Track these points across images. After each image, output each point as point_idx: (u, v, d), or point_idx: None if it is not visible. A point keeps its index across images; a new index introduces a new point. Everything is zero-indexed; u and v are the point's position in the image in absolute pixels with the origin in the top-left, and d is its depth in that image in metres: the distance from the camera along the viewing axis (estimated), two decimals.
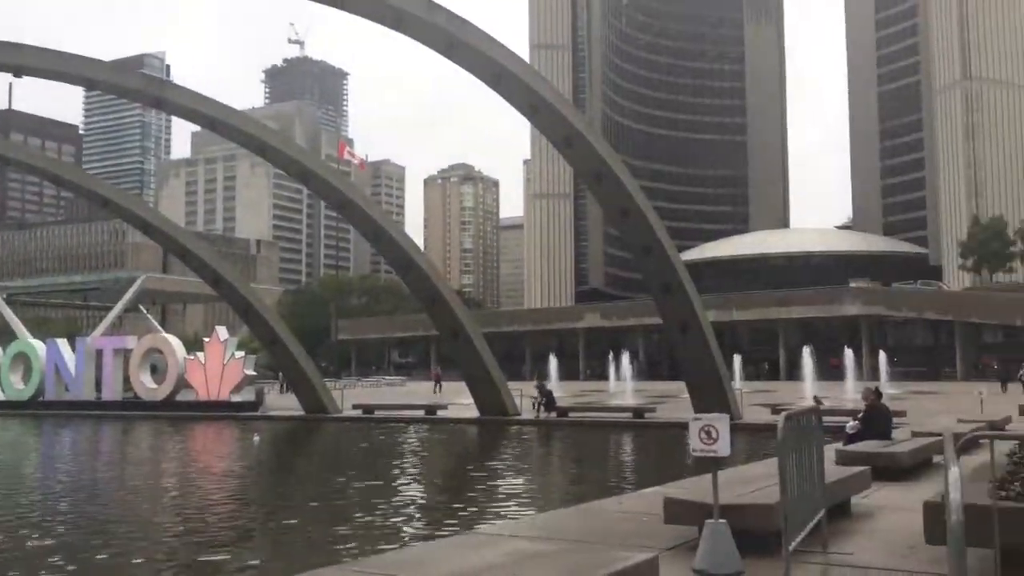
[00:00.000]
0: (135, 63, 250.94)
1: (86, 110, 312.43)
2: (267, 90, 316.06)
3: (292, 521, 14.19)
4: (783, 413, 7.36)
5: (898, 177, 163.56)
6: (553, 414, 35.48)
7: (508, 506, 15.08)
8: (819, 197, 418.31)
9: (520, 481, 19.18)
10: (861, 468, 10.87)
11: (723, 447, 7.05)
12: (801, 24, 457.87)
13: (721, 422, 7.11)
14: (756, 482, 9.24)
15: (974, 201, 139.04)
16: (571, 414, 36.00)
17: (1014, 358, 63.93)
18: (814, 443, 8.19)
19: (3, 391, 51.20)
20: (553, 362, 53.79)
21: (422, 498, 16.97)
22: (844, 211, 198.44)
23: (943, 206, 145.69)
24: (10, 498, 18.01)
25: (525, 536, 8.95)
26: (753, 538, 7.65)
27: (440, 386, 58.94)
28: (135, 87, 24.98)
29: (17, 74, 20.76)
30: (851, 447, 13.74)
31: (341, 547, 11.94)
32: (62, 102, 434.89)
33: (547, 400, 35.82)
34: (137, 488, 19.63)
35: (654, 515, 9.01)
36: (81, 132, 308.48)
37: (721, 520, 7.05)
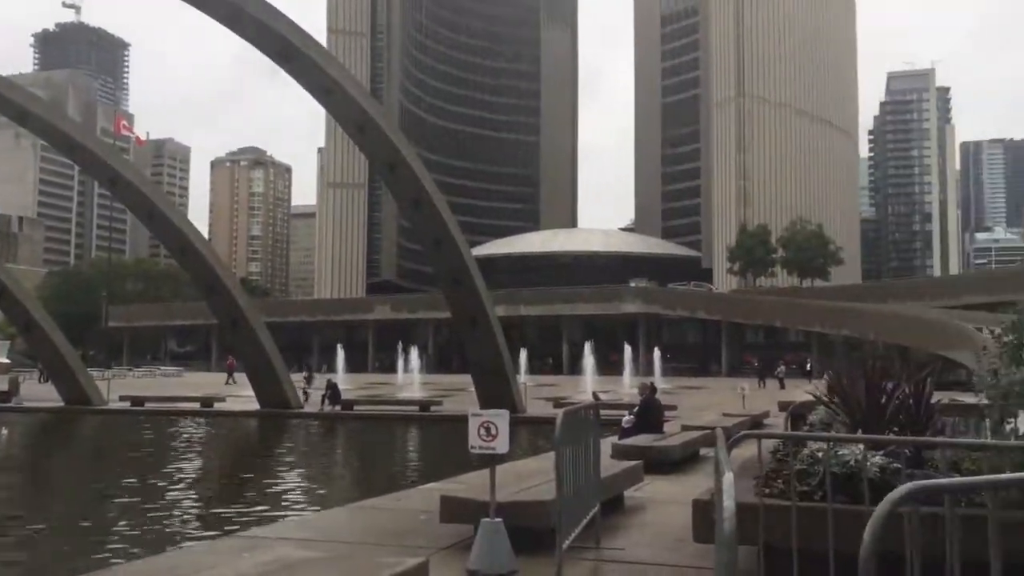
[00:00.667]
0: None
1: None
2: (37, 56, 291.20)
3: (36, 527, 12.83)
4: (562, 409, 7.27)
5: (677, 184, 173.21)
6: (338, 407, 34.72)
7: (282, 506, 14.38)
8: (607, 198, 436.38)
9: (297, 478, 18.44)
10: (634, 462, 11.09)
11: (502, 444, 6.88)
12: (596, 28, 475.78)
13: (500, 419, 6.93)
14: (534, 478, 9.17)
15: (743, 210, 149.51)
16: (356, 407, 35.35)
17: (772, 357, 69.31)
18: (591, 438, 8.19)
19: None
20: (341, 353, 52.67)
21: (188, 499, 15.90)
22: (629, 213, 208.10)
23: (715, 213, 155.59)
24: None
25: (292, 539, 8.42)
26: (529, 535, 7.54)
27: (233, 377, 56.13)
28: None
29: None
30: (625, 441, 14.10)
31: (91, 556, 10.88)
32: None
33: (332, 393, 35.00)
34: None
35: (432, 513, 8.75)
36: None
37: (497, 519, 6.87)
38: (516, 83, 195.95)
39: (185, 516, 13.72)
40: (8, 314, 40.17)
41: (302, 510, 13.69)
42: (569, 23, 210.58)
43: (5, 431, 28.47)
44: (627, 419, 16.37)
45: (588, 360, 50.68)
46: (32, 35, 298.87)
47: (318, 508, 13.28)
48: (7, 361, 43.06)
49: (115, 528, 12.71)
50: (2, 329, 53.81)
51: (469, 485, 9.93)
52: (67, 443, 29.31)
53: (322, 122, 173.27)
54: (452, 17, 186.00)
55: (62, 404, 38.68)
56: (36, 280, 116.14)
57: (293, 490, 16.40)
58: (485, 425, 6.91)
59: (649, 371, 58.33)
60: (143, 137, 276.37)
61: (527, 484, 8.72)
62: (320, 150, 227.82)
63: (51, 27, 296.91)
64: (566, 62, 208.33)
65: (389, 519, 9.49)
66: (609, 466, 9.88)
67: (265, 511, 13.56)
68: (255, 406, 35.81)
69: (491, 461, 7.13)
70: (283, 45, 22.39)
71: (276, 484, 17.05)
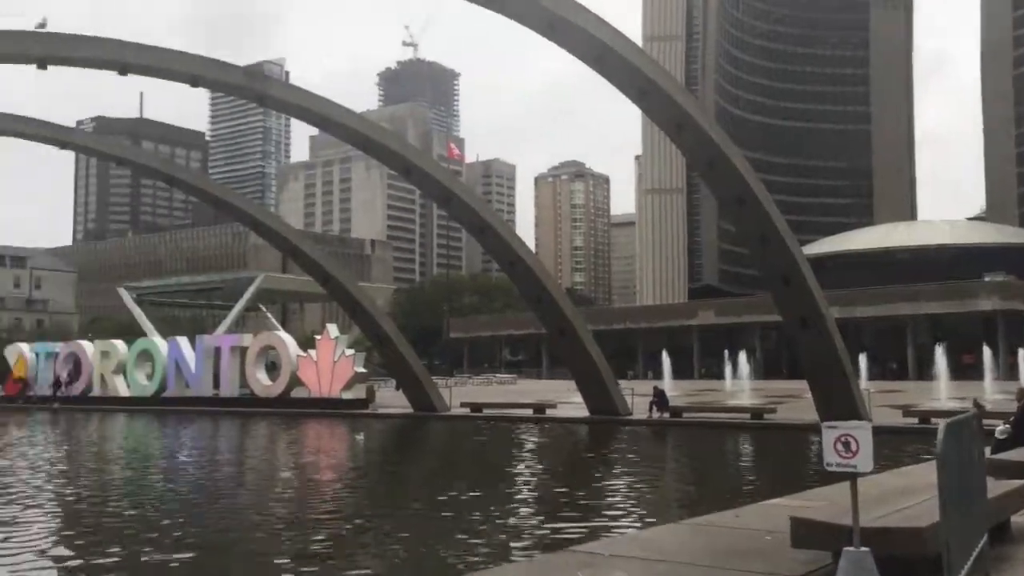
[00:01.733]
0: (258, 77, 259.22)
1: (212, 117, 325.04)
2: (381, 93, 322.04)
3: (386, 528, 13.44)
4: (945, 420, 6.07)
5: None
6: (666, 414, 34.12)
7: (614, 517, 13.98)
8: (949, 187, 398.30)
9: (627, 488, 18.01)
10: (1019, 482, 9.34)
11: (864, 462, 5.86)
12: (931, 3, 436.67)
13: (861, 432, 5.91)
14: (896, 499, 7.92)
15: None
16: (685, 415, 34.56)
17: None
18: (975, 454, 6.86)
19: (129, 386, 53.06)
20: (666, 360, 52.13)
21: (524, 506, 16.02)
22: (977, 202, 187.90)
23: None
24: (140, 487, 18.13)
25: (628, 557, 7.89)
26: (900, 567, 6.40)
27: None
28: (238, 83, 24.97)
29: (123, 72, 20.96)
30: (1004, 455, 12.09)
31: (434, 563, 11.14)
32: (190, 110, 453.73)
33: (660, 400, 34.47)
34: (239, 488, 19.44)
35: (777, 534, 7.83)
36: (207, 139, 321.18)
37: (863, 548, 5.86)
38: (841, 71, 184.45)
39: (520, 525, 13.74)
40: (363, 328, 44.09)
41: (634, 523, 13.19)
42: (902, 2, 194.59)
43: (362, 435, 31.01)
44: (1001, 429, 14.14)
45: (940, 363, 45.84)
46: (377, 75, 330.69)
47: (653, 521, 12.71)
48: (364, 371, 47.22)
49: (453, 537, 12.96)
50: (360, 342, 59.31)
51: (821, 504, 8.83)
52: (413, 447, 31.38)
53: (638, 131, 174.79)
54: (771, 9, 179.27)
55: (411, 410, 41.73)
56: (386, 297, 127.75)
57: (624, 501, 15.99)
58: (843, 439, 5.93)
59: (1011, 375, 51.79)
60: (472, 159, 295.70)
61: (893, 506, 7.51)
62: (637, 158, 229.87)
63: (393, 66, 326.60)
64: (899, 44, 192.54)
65: (730, 539, 8.66)
66: (990, 486, 8.34)
67: (598, 523, 13.23)
68: (584, 412, 36.23)
69: (852, 480, 6.12)
70: (599, 50, 22.33)
71: (607, 494, 16.74)
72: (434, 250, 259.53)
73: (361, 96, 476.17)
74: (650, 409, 34.52)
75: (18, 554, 11.49)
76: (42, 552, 11.84)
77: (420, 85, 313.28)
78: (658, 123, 28.07)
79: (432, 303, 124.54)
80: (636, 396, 36.80)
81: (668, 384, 42.57)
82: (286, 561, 11.39)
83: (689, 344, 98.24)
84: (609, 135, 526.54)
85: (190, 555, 11.60)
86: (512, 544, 11.92)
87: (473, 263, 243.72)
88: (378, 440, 32.37)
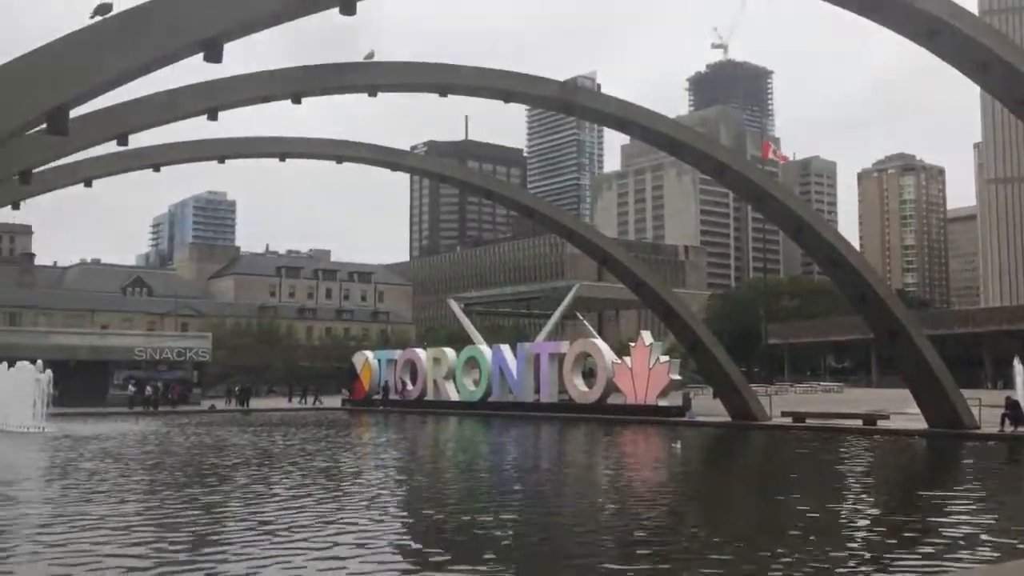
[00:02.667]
0: (570, 86, 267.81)
1: (529, 134, 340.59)
2: (691, 98, 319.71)
3: (713, 543, 12.87)
4: None
5: None
6: (1022, 428, 30.21)
7: (956, 546, 12.35)
8: None
9: (973, 514, 15.92)
10: None
11: None
12: None
13: None
14: None
15: None
16: None
17: None
18: None
19: (458, 391, 56.52)
20: (1020, 368, 46.30)
21: (855, 529, 14.65)
22: None
23: None
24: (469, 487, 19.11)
25: None
26: None
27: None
28: (547, 95, 25.65)
29: (443, 93, 22.34)
30: None
31: None
32: (509, 128, 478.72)
33: (1014, 413, 30.60)
34: (563, 489, 19.73)
35: None
36: (525, 155, 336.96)
37: None
38: None
39: (845, 547, 12.56)
40: (676, 334, 43.55)
41: (982, 556, 11.54)
42: None
43: (679, 444, 30.48)
44: None
45: None
46: (687, 80, 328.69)
47: (1000, 555, 11.05)
48: (679, 378, 46.62)
49: (774, 553, 12.10)
50: (675, 349, 58.75)
51: None
52: (733, 456, 30.32)
53: (976, 117, 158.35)
54: None
55: (728, 419, 40.51)
56: (701, 303, 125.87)
57: (970, 528, 14.11)
58: None
59: None
60: (789, 157, 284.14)
61: None
62: (976, 146, 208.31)
63: (702, 69, 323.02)
64: None
65: None
66: None
67: (936, 552, 11.73)
68: (923, 425, 33.09)
69: None
70: (930, 23, 20.12)
71: (949, 520, 14.88)
72: (750, 254, 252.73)
73: (672, 102, 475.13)
74: (1002, 422, 30.78)
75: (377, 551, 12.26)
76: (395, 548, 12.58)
77: (731, 87, 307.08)
78: (1003, 101, 24.89)
79: (749, 308, 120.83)
80: (984, 407, 33.01)
81: (1023, 395, 37.70)
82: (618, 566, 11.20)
83: None
84: (940, 125, 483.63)
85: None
86: (838, 570, 10.87)
87: (791, 265, 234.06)
88: (696, 449, 31.66)
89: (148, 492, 18.61)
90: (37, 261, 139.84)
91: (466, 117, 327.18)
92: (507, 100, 23.55)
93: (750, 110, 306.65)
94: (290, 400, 71.19)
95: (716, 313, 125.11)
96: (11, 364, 44.49)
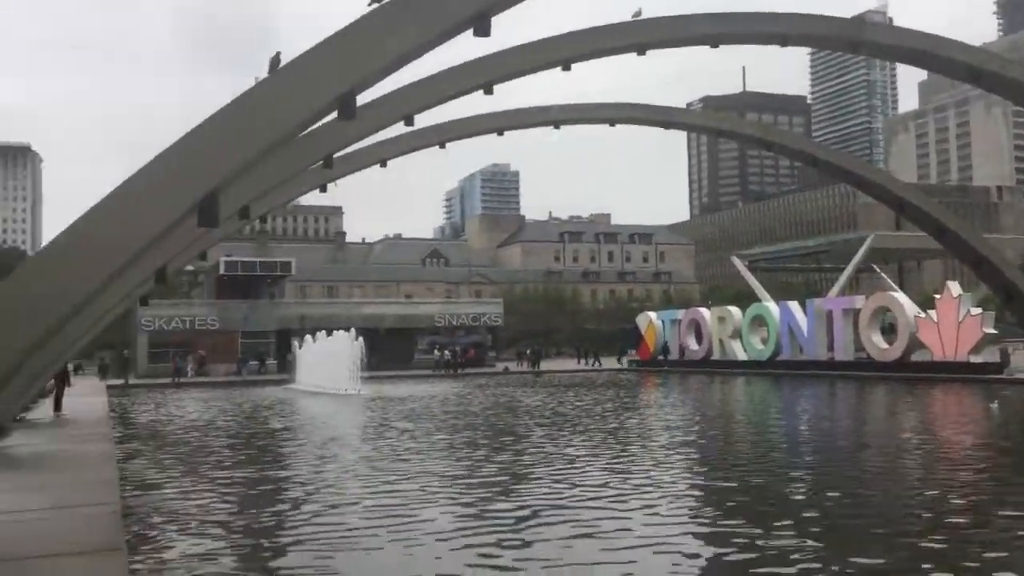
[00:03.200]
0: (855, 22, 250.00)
1: (812, 79, 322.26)
2: (1000, 22, 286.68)
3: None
4: None
5: None
6: None
7: None
8: None
9: None
10: None
11: None
12: None
13: None
14: None
15: None
16: None
17: None
18: None
19: (746, 351, 55.10)
20: None
21: None
22: None
23: None
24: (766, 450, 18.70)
25: None
26: None
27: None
28: (829, 34, 23.83)
29: (714, 44, 21.52)
30: None
31: None
32: (791, 77, 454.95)
33: None
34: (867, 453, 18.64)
35: None
36: (809, 102, 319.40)
37: None
38: None
39: None
40: (991, 285, 39.51)
41: None
42: None
43: (997, 404, 27.67)
44: None
45: None
46: (994, 3, 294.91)
47: None
48: (994, 332, 42.35)
49: None
50: (989, 300, 53.43)
51: None
52: None
53: None
54: None
55: None
56: (1019, 248, 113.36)
57: None
58: None
59: None
60: None
61: None
62: None
63: None
64: None
65: None
66: None
67: None
68: None
69: None
70: None
71: None
72: None
73: (973, 30, 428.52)
74: None
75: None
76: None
77: None
78: None
79: None
80: None
81: None
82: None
83: None
84: None
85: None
86: None
87: None
88: (1018, 409, 28.60)
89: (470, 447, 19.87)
90: (348, 239, 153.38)
91: (743, 68, 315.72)
92: (784, 44, 22.24)
93: None
94: (578, 361, 73.09)
95: None
96: (329, 333, 49.35)
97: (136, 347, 67.78)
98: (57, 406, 27.79)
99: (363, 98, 12.51)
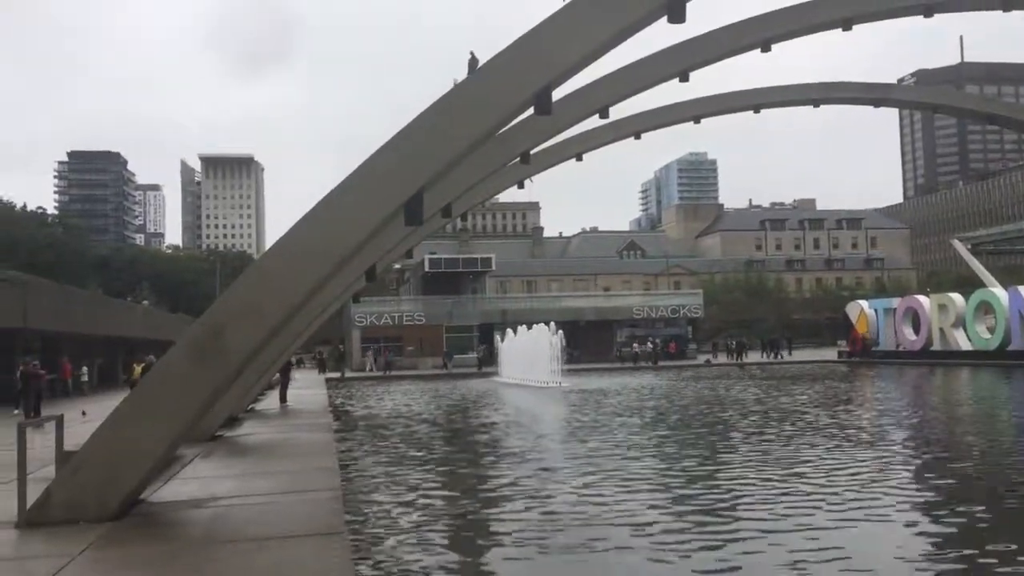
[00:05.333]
0: None
1: None
2: None
3: None
4: None
5: None
6: None
7: None
8: None
9: None
10: None
11: None
12: None
13: None
14: None
15: None
16: None
17: None
18: None
19: (970, 340, 51.30)
20: None
21: None
22: None
23: None
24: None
25: None
26: None
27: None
28: None
29: (928, 14, 20.01)
30: None
31: None
32: (1015, 43, 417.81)
33: None
34: None
35: None
36: None
37: None
38: None
39: None
40: None
41: None
42: None
43: None
44: None
45: None
46: None
47: None
48: None
49: None
50: None
51: None
52: None
53: None
54: None
55: None
56: None
57: None
58: None
59: None
60: None
61: None
62: None
63: None
64: None
65: None
66: None
67: None
68: None
69: None
70: None
71: None
72: None
73: None
74: None
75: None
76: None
77: None
78: None
79: None
80: None
81: None
82: None
83: None
84: None
85: None
86: None
87: None
88: None
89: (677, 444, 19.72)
90: (545, 233, 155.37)
91: (960, 38, 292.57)
92: (1007, 8, 20.36)
93: None
94: (762, 355, 68.67)
95: None
96: (530, 327, 50.20)
97: (350, 341, 71.76)
98: (283, 398, 29.86)
99: (558, 93, 12.60)
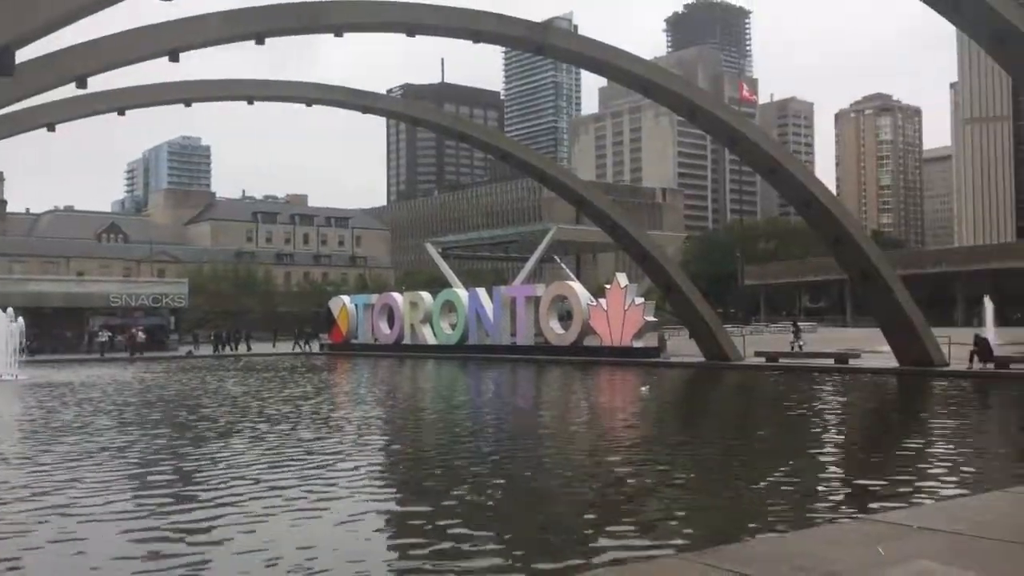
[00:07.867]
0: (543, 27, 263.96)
1: (506, 77, 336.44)
2: (669, 39, 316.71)
3: (674, 483, 13.01)
4: None
5: None
6: (990, 365, 30.71)
7: (925, 482, 12.58)
8: None
9: (943, 450, 16.22)
10: None
11: None
12: None
13: None
14: None
15: None
16: (1013, 365, 30.86)
17: None
18: None
19: (435, 335, 56.61)
20: (989, 306, 46.92)
21: (823, 466, 14.90)
22: None
23: None
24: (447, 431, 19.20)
25: (935, 530, 6.86)
26: None
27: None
28: (518, 35, 25.09)
29: (410, 33, 21.85)
30: None
31: (720, 520, 10.57)
32: (486, 73, 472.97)
33: (981, 350, 31.05)
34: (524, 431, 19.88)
35: None
36: (502, 98, 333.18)
37: None
38: None
39: (816, 486, 12.75)
40: (652, 277, 43.68)
41: (950, 490, 11.75)
42: None
43: (647, 387, 30.57)
44: None
45: None
46: (664, 20, 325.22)
47: (967, 492, 11.25)
48: (655, 319, 46.87)
49: (739, 490, 12.28)
50: (653, 291, 58.95)
51: None
52: (701, 397, 30.64)
53: (952, 54, 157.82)
54: None
55: (702, 359, 40.91)
56: (677, 245, 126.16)
57: (937, 464, 14.37)
58: None
59: None
60: (767, 100, 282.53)
61: None
62: (952, 86, 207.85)
63: (680, 9, 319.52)
64: None
65: None
66: None
67: (905, 489, 11.93)
68: (894, 363, 33.56)
69: None
70: None
71: (918, 455, 15.15)
72: (727, 196, 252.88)
73: (648, 44, 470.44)
74: (970, 359, 31.27)
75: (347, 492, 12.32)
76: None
77: (709, 27, 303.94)
78: (975, 38, 24.74)
79: (725, 250, 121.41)
80: (954, 345, 33.51)
81: (992, 332, 38.25)
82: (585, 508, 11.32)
83: (1020, 289, 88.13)
84: (917, 65, 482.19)
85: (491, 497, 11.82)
86: (808, 506, 11.04)
87: (768, 208, 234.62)
88: (668, 389, 31.95)
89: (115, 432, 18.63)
90: (9, 208, 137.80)
91: (442, 60, 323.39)
92: (476, 40, 23.07)
93: (728, 51, 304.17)
94: (294, 346, 68.76)
95: (693, 255, 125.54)
96: None
97: None
98: None
99: (26, 54, 11.35)
